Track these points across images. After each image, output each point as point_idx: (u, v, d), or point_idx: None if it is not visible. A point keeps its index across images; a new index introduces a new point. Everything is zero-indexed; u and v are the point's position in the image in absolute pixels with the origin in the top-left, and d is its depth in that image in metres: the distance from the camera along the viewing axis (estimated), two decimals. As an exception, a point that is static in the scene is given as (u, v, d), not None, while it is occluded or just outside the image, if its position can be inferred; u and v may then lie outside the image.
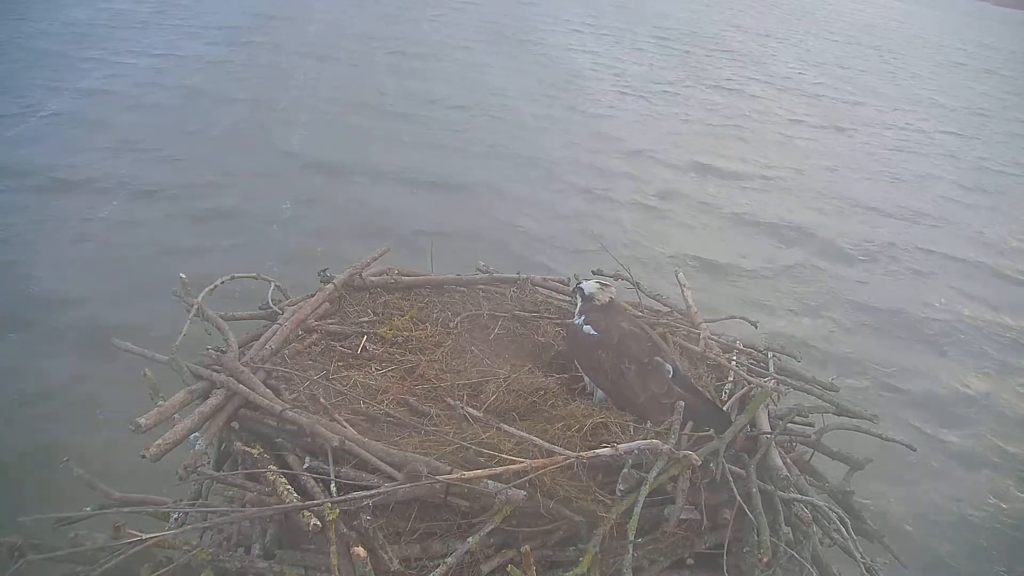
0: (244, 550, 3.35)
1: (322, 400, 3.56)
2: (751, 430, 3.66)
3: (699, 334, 4.63)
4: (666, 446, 3.18)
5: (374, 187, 12.19)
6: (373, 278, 4.74)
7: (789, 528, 3.42)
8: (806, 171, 16.49)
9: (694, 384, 3.98)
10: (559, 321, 4.69)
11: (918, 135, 21.67)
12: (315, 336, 4.18)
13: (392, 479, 3.05)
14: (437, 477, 2.97)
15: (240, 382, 3.46)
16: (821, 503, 3.41)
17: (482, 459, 3.15)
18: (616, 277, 5.31)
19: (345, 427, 3.33)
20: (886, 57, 36.57)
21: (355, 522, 2.99)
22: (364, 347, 4.15)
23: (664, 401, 3.62)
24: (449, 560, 2.96)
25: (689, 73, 24.40)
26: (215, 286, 4.17)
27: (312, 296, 4.44)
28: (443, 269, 5.22)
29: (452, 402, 3.69)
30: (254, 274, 4.66)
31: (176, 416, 3.32)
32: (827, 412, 4.11)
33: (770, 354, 4.61)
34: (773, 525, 3.30)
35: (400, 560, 3.01)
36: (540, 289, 5.11)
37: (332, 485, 3.09)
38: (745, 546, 3.36)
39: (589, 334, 4.01)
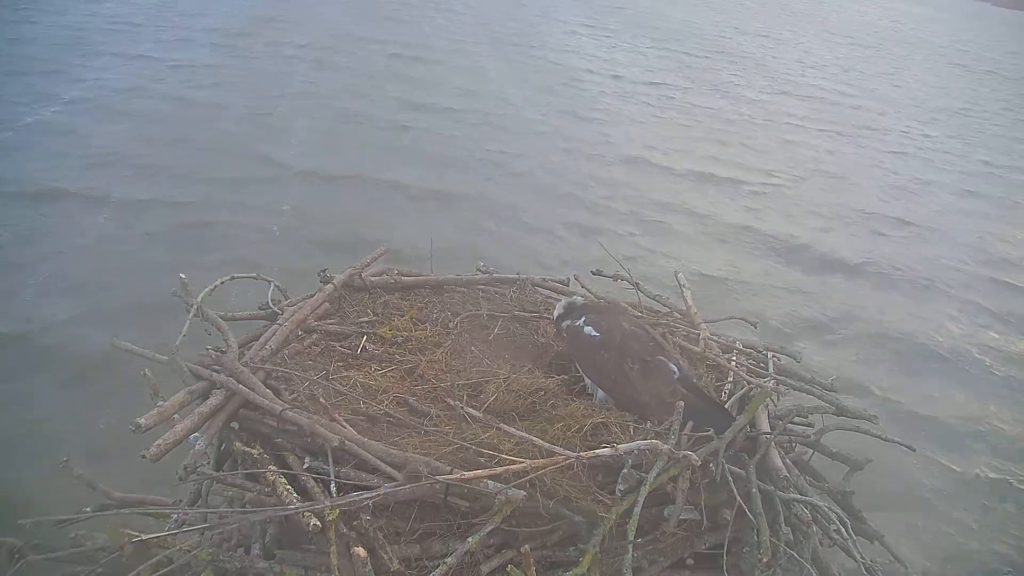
0: (244, 550, 3.35)
1: (322, 400, 3.56)
2: (751, 430, 3.66)
3: (699, 334, 4.64)
4: (666, 446, 3.19)
5: (375, 188, 12.16)
6: (373, 278, 4.75)
7: (789, 528, 3.42)
8: (808, 176, 16.27)
9: (698, 385, 3.99)
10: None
11: (921, 139, 21.56)
12: (315, 336, 4.18)
13: (392, 479, 3.06)
14: (437, 477, 2.97)
15: (240, 382, 3.46)
16: (821, 503, 3.41)
17: (482, 459, 3.15)
18: (616, 277, 5.32)
19: (345, 427, 3.33)
20: (888, 59, 36.53)
21: (355, 522, 3.00)
22: (364, 347, 4.15)
23: (669, 400, 3.62)
24: (449, 560, 2.96)
25: (689, 76, 24.32)
26: (215, 286, 4.17)
27: (312, 296, 4.44)
28: (442, 270, 5.22)
29: (452, 402, 3.69)
30: (254, 274, 4.66)
31: (176, 416, 3.32)
32: (827, 412, 4.11)
33: (770, 354, 4.61)
34: (773, 525, 3.30)
35: (400, 560, 3.02)
36: (540, 289, 5.12)
37: (332, 485, 3.09)
38: (745, 546, 3.37)
39: (590, 335, 4.01)
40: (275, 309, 4.35)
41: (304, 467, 3.21)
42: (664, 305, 5.16)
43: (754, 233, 12.60)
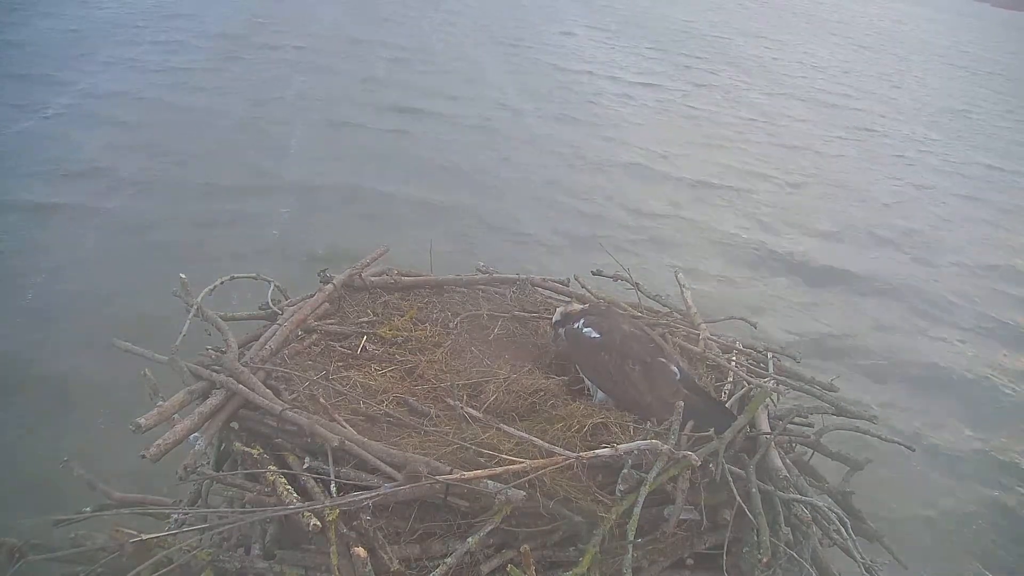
0: (244, 550, 3.35)
1: (322, 400, 3.56)
2: (751, 430, 3.66)
3: (699, 335, 4.64)
4: (666, 446, 3.19)
5: (375, 190, 12.16)
6: (373, 278, 4.75)
7: (789, 528, 3.42)
8: (808, 182, 16.19)
9: (700, 386, 3.99)
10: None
11: (926, 142, 21.45)
12: (315, 336, 4.18)
13: (392, 479, 3.06)
14: (437, 477, 2.97)
15: (240, 382, 3.46)
16: (821, 503, 3.41)
17: (482, 459, 3.15)
18: (616, 278, 5.32)
19: (345, 427, 3.33)
20: (889, 60, 36.47)
21: (355, 522, 3.00)
22: (364, 347, 4.15)
23: (671, 401, 3.62)
24: (449, 560, 2.96)
25: (689, 78, 24.29)
26: (215, 286, 4.17)
27: (312, 296, 4.44)
28: (442, 270, 5.22)
29: (452, 402, 3.69)
30: (254, 274, 4.66)
31: (176, 416, 3.32)
32: (827, 412, 4.11)
33: (769, 354, 4.61)
34: (773, 525, 3.30)
35: (400, 560, 3.02)
36: (540, 290, 5.12)
37: (332, 485, 3.09)
38: (745, 546, 3.36)
39: (590, 337, 4.01)
40: (275, 309, 4.35)
41: (304, 467, 3.21)
42: (664, 305, 5.16)
43: (753, 243, 12.47)
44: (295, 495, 3.03)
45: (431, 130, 15.43)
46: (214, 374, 3.53)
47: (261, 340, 3.95)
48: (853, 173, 17.40)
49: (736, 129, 19.38)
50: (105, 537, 3.23)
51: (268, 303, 4.42)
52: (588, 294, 5.10)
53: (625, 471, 3.15)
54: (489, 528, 3.03)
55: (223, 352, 3.71)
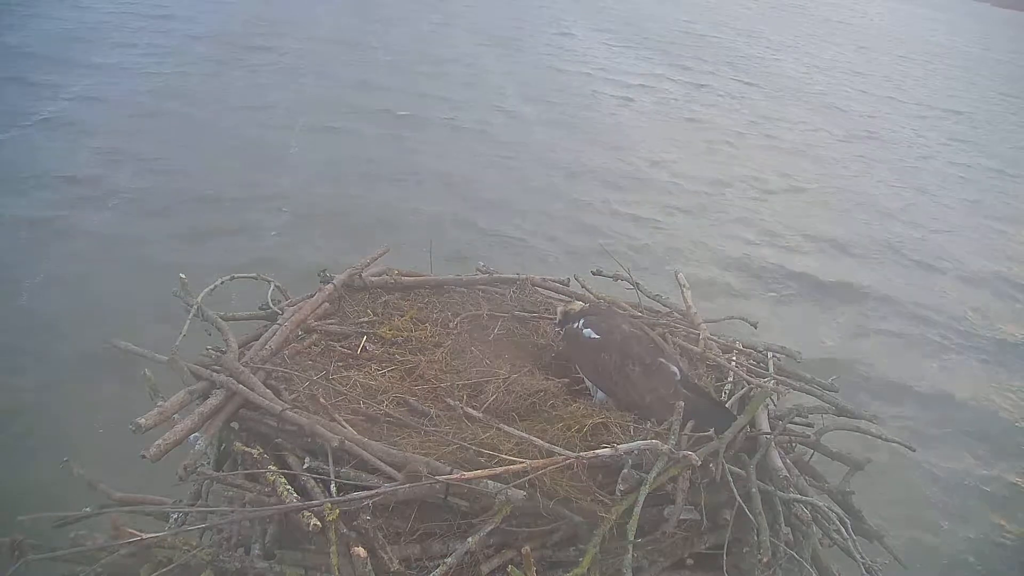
0: (244, 550, 3.34)
1: (322, 400, 3.57)
2: (751, 430, 3.66)
3: (699, 335, 4.63)
4: (666, 446, 3.19)
5: (374, 193, 12.15)
6: (373, 278, 4.75)
7: (789, 528, 3.42)
8: (812, 185, 16.07)
9: (699, 386, 3.99)
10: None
11: (932, 145, 21.36)
12: (315, 336, 4.18)
13: (392, 479, 3.06)
14: (437, 477, 2.97)
15: (240, 382, 3.46)
16: (821, 503, 3.41)
17: (482, 459, 3.15)
18: (615, 278, 5.32)
19: (345, 427, 3.33)
20: (891, 61, 36.40)
21: (355, 522, 2.99)
22: (364, 347, 4.15)
23: (671, 402, 3.62)
24: (449, 560, 2.96)
25: (690, 79, 24.25)
26: (215, 286, 4.18)
27: (312, 296, 4.44)
28: (442, 271, 5.22)
29: (452, 402, 3.69)
30: (254, 274, 4.66)
31: (176, 416, 3.32)
32: (827, 412, 4.11)
33: (770, 354, 4.61)
34: (773, 525, 3.30)
35: (400, 560, 3.02)
36: (540, 290, 5.12)
37: (332, 485, 3.09)
38: (745, 546, 3.37)
39: (590, 337, 4.01)
40: (275, 309, 4.35)
41: (304, 467, 3.21)
42: (664, 305, 5.16)
43: (754, 254, 12.24)
44: (295, 495, 3.03)
45: (430, 133, 15.41)
46: (214, 374, 3.53)
47: (261, 340, 3.95)
48: (855, 177, 17.24)
49: (738, 132, 19.27)
50: (105, 537, 3.23)
51: (268, 303, 4.42)
52: (588, 294, 5.10)
53: (625, 471, 3.14)
54: (489, 528, 3.03)
55: (223, 352, 3.72)
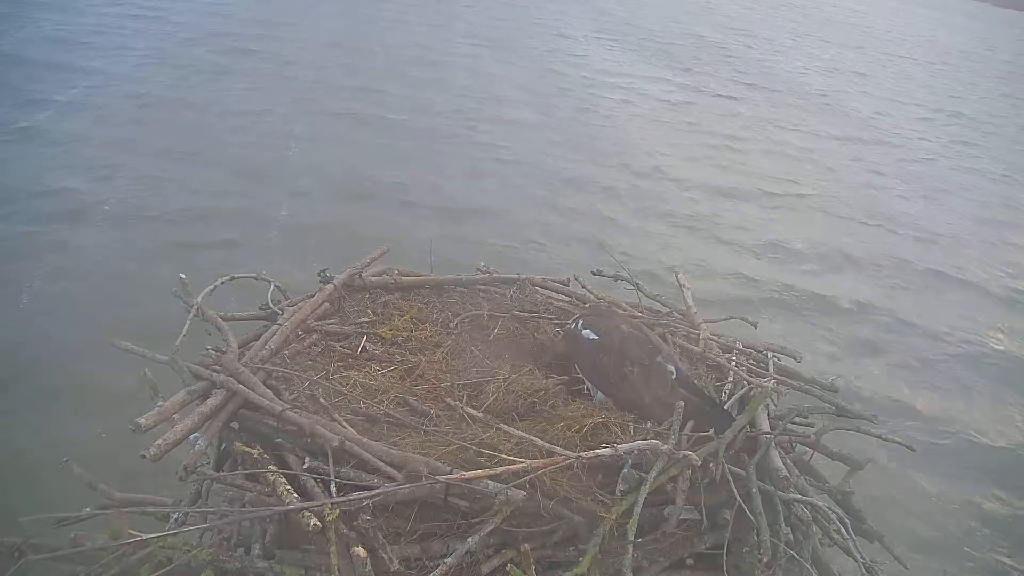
0: (244, 550, 3.35)
1: (322, 400, 3.57)
2: (751, 430, 3.66)
3: (699, 335, 4.63)
4: (666, 446, 3.19)
5: (375, 194, 12.14)
6: (373, 278, 4.75)
7: (789, 528, 3.42)
8: (815, 190, 15.91)
9: (697, 385, 3.99)
10: (559, 322, 4.69)
11: (936, 148, 21.22)
12: (315, 336, 4.18)
13: (392, 479, 3.06)
14: (437, 477, 2.97)
15: (240, 382, 3.46)
16: (821, 503, 3.41)
17: (482, 459, 3.15)
18: (615, 278, 5.32)
19: (345, 427, 3.33)
20: (892, 62, 36.33)
21: (355, 522, 2.99)
22: (364, 347, 4.15)
23: (669, 402, 3.62)
24: (449, 560, 2.96)
25: (690, 81, 24.19)
26: (215, 286, 4.17)
27: (312, 296, 4.44)
28: (442, 271, 5.22)
29: (452, 402, 3.70)
30: (254, 274, 4.66)
31: (176, 416, 3.32)
32: (827, 412, 4.11)
33: (770, 354, 4.61)
34: (773, 525, 3.30)
35: (400, 560, 3.01)
36: (540, 290, 5.12)
37: (332, 485, 3.09)
38: (745, 546, 3.37)
39: (589, 338, 4.02)
40: (275, 309, 4.35)
41: (304, 467, 3.21)
42: (664, 305, 5.16)
43: (754, 267, 12.02)
44: (295, 495, 3.03)
45: (427, 137, 15.35)
46: (214, 374, 3.53)
47: (261, 340, 3.95)
48: (858, 184, 17.06)
49: (742, 137, 19.15)
50: (105, 537, 3.24)
51: (268, 303, 4.42)
52: (588, 294, 5.10)
53: (625, 471, 3.14)
54: (489, 528, 3.03)
55: (223, 352, 3.72)
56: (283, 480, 3.10)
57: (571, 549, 3.22)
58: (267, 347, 3.84)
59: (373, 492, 2.98)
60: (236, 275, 4.42)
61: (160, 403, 3.35)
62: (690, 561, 3.49)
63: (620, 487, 3.12)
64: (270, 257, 9.48)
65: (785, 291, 11.21)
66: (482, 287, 4.98)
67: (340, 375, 3.86)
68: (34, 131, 12.83)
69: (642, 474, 3.14)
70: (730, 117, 20.80)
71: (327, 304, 4.46)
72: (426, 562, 3.09)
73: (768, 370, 4.41)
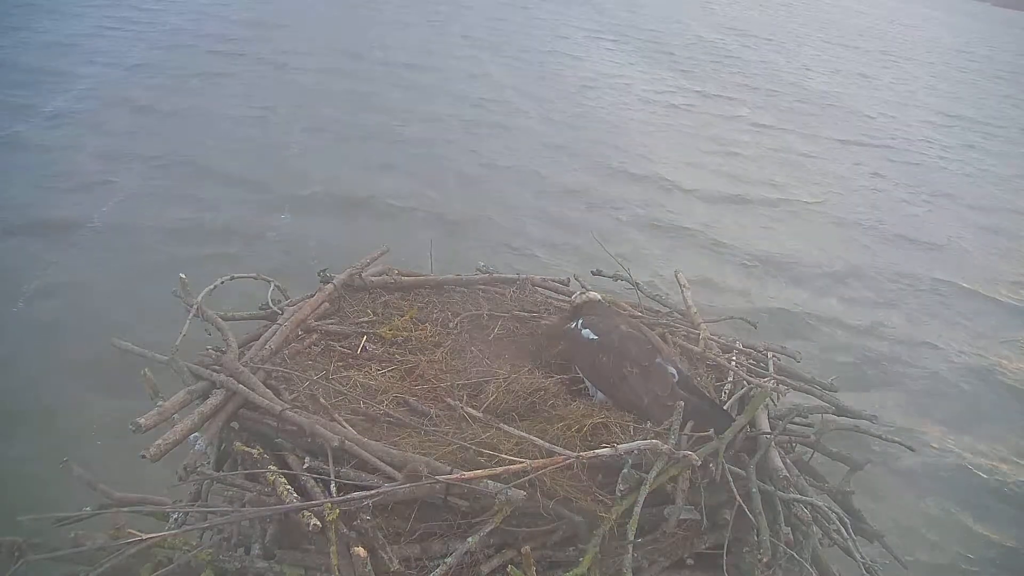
0: (244, 550, 3.34)
1: (322, 400, 3.57)
2: (751, 430, 3.66)
3: (699, 334, 4.63)
4: (666, 446, 3.19)
5: (376, 195, 12.12)
6: (373, 278, 4.75)
7: (789, 528, 3.42)
8: (818, 195, 15.76)
9: (697, 386, 3.98)
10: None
11: (935, 149, 21.13)
12: (315, 336, 4.19)
13: (392, 479, 3.06)
14: (437, 477, 2.97)
15: (240, 382, 3.47)
16: (821, 503, 3.41)
17: (482, 459, 3.15)
18: (615, 278, 5.33)
19: (345, 427, 3.33)
20: (895, 63, 36.25)
21: (355, 522, 2.99)
22: (364, 347, 4.15)
23: (669, 403, 3.62)
24: (449, 560, 2.96)
25: (693, 83, 24.09)
26: (215, 286, 4.18)
27: (312, 296, 4.44)
28: (442, 271, 5.22)
29: (452, 402, 3.70)
30: (254, 274, 4.66)
31: (176, 416, 3.32)
32: (827, 412, 4.11)
33: (770, 354, 4.61)
34: (773, 525, 3.30)
35: (400, 560, 3.01)
36: (540, 289, 5.12)
37: (332, 485, 3.09)
38: (745, 546, 3.37)
39: (588, 338, 4.02)
40: (275, 309, 4.35)
41: (304, 467, 3.21)
42: (664, 305, 5.16)
43: (759, 275, 11.83)
44: (295, 495, 3.03)
45: (430, 135, 15.35)
46: (214, 374, 3.53)
47: (261, 340, 3.95)
48: (862, 189, 16.90)
49: (741, 134, 19.10)
50: (105, 537, 3.24)
51: (268, 303, 4.42)
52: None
53: (625, 471, 3.14)
54: (489, 528, 3.03)
55: (223, 352, 3.72)
56: (283, 480, 3.10)
57: (571, 549, 3.22)
58: (267, 347, 3.85)
59: (373, 492, 2.98)
60: (236, 275, 4.42)
61: (160, 403, 3.35)
62: (690, 561, 3.48)
63: (620, 487, 3.12)
64: (269, 262, 9.46)
65: (785, 301, 11.08)
66: (482, 287, 4.98)
67: (340, 375, 3.87)
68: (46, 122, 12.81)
69: (642, 474, 3.14)
70: (731, 119, 20.74)
71: (327, 304, 4.46)
72: (426, 562, 3.09)
73: (768, 370, 4.41)
